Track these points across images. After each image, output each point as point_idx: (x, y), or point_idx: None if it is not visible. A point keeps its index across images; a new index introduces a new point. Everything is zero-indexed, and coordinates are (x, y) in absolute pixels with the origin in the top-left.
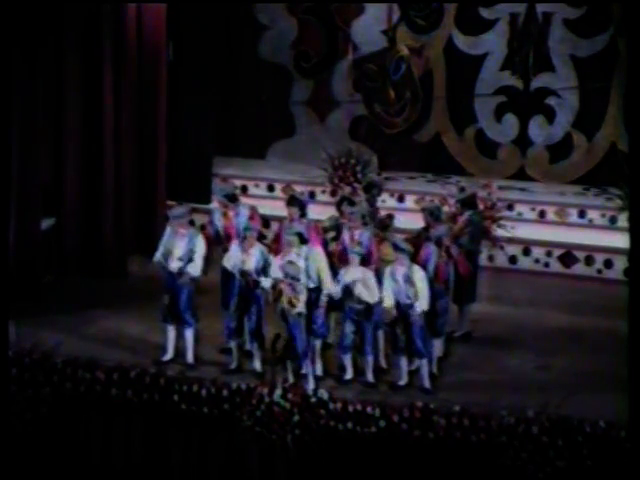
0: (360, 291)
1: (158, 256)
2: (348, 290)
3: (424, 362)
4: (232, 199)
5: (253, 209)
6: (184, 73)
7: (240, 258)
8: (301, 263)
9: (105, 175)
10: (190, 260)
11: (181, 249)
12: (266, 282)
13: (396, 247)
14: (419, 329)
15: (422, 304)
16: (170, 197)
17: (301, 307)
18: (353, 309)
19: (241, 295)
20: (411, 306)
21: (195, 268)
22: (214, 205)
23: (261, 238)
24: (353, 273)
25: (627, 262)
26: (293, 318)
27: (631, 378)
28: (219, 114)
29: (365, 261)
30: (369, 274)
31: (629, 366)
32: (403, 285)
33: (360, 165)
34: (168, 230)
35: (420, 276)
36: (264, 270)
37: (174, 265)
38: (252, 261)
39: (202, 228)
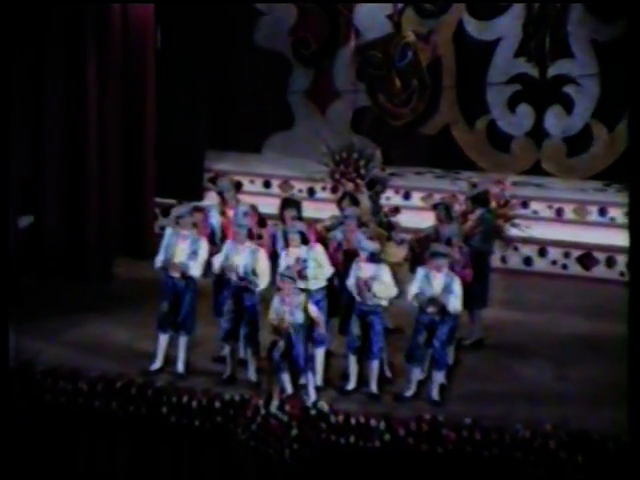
0: (376, 289)
1: (159, 261)
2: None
3: (440, 373)
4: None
5: (253, 208)
6: (173, 61)
7: (232, 257)
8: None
9: (88, 170)
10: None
11: (184, 251)
12: (261, 282)
13: (435, 253)
14: (446, 338)
15: (456, 305)
16: (159, 194)
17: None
18: (363, 308)
19: (235, 297)
20: (443, 313)
21: (196, 269)
22: (209, 202)
23: (259, 238)
24: (366, 269)
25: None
26: (294, 326)
27: (631, 384)
28: (211, 105)
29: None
30: (384, 270)
31: (629, 371)
32: (439, 292)
33: (363, 160)
34: (169, 232)
35: (458, 285)
36: (254, 271)
37: (176, 268)
38: (242, 260)
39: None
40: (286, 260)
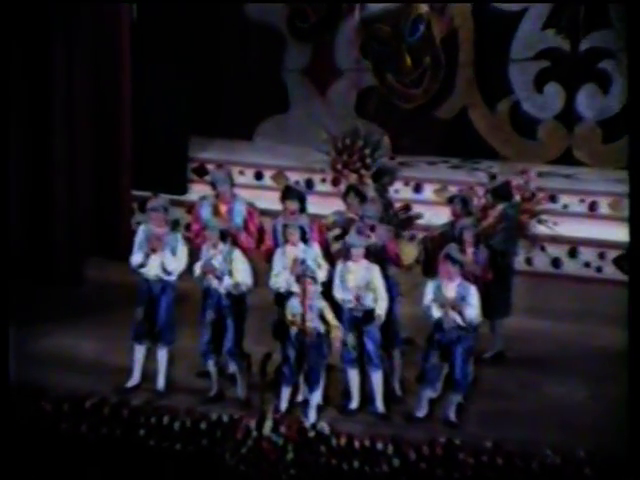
0: (364, 295)
1: (136, 260)
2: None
3: (458, 395)
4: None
5: (251, 206)
6: (152, 36)
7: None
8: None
9: (56, 161)
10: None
11: (160, 250)
12: (242, 284)
13: (448, 257)
14: (464, 357)
15: (473, 316)
16: (137, 186)
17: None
18: (355, 314)
19: (217, 306)
20: (461, 328)
21: (177, 264)
22: (200, 196)
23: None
24: (355, 271)
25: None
26: (313, 338)
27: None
28: (196, 86)
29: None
30: (374, 272)
31: (629, 376)
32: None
33: (368, 148)
34: (142, 228)
35: (474, 295)
36: (231, 273)
37: (152, 269)
38: (217, 264)
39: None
40: (282, 260)
